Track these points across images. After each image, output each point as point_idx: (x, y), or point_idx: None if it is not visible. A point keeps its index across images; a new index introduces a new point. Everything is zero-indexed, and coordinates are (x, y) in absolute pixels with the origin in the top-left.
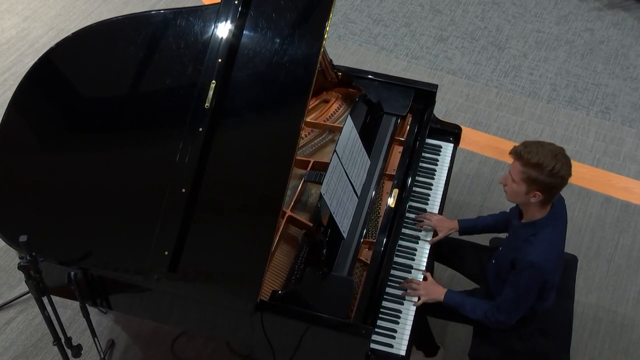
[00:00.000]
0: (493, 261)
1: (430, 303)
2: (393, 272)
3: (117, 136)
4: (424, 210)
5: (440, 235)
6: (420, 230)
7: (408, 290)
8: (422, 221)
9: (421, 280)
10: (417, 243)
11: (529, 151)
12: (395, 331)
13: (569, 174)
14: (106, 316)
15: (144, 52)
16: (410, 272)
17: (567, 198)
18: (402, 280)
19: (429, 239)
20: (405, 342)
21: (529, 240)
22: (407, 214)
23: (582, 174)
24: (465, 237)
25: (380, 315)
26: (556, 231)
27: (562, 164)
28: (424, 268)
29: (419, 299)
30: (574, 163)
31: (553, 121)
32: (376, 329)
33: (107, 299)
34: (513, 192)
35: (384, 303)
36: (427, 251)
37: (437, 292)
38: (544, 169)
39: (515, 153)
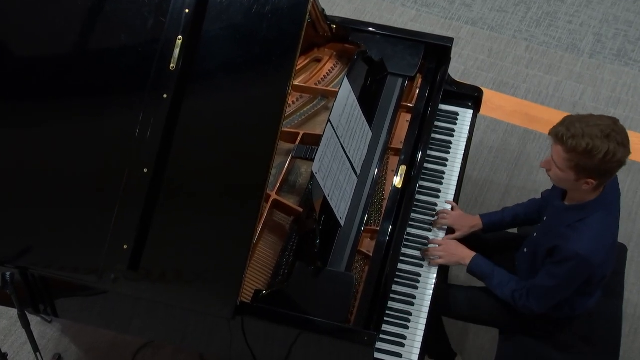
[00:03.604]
0: (525, 250)
1: (445, 301)
2: (401, 266)
3: (62, 105)
4: (438, 191)
5: (458, 234)
6: (434, 216)
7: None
8: (437, 220)
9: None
10: (430, 231)
11: (574, 135)
12: (404, 337)
13: (628, 154)
14: (51, 326)
15: (94, 0)
16: (422, 267)
17: None
18: (413, 276)
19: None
20: (417, 351)
21: (575, 226)
22: (417, 196)
23: (634, 145)
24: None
25: (386, 319)
26: (609, 216)
27: (617, 144)
28: None
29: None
30: None
31: (597, 80)
32: (382, 335)
33: (52, 305)
34: (559, 178)
35: (391, 304)
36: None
37: (462, 255)
38: (594, 156)
39: (556, 136)
